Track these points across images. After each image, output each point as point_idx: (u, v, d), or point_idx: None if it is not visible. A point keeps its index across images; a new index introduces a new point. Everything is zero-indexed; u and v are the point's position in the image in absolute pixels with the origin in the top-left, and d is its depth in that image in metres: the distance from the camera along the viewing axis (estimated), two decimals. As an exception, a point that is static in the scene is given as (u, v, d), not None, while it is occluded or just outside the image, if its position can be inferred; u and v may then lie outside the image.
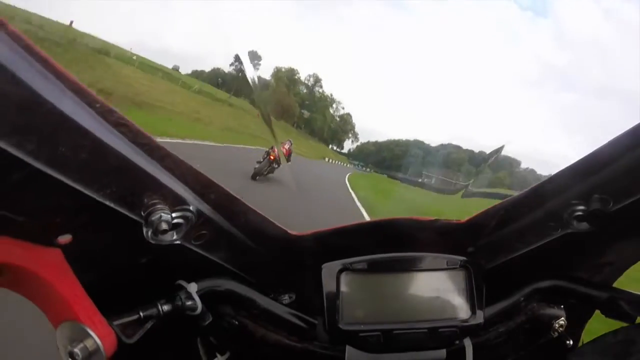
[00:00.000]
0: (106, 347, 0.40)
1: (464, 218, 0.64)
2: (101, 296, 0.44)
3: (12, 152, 0.29)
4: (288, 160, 11.08)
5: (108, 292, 0.46)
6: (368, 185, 19.18)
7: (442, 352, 0.63)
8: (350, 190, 14.60)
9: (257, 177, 8.95)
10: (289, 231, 0.62)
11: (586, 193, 0.54)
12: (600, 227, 0.55)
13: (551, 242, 0.60)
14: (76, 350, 0.39)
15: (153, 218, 0.42)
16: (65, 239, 0.42)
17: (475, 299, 0.63)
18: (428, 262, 0.63)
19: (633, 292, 0.61)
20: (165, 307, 0.50)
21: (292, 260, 0.66)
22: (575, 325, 0.71)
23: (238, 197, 0.52)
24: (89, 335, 0.40)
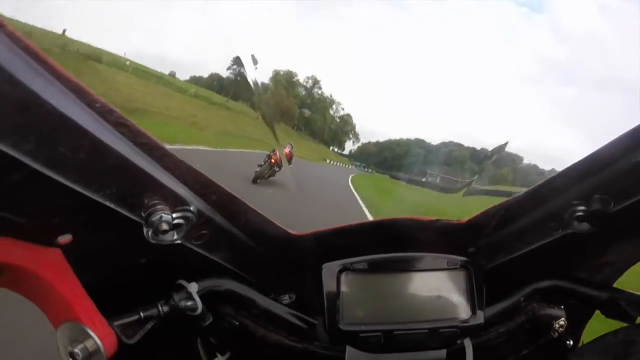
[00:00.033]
0: (106, 347, 0.41)
1: (464, 218, 0.64)
2: (101, 296, 0.44)
3: (11, 152, 0.29)
4: (289, 163, 10.97)
5: (108, 292, 0.46)
6: (372, 187, 18.87)
7: (443, 353, 0.63)
8: (354, 192, 14.31)
9: (259, 181, 8.89)
10: (289, 231, 0.62)
11: (587, 193, 0.53)
12: (600, 227, 0.55)
13: (551, 242, 0.59)
14: (76, 350, 0.39)
15: (153, 218, 0.42)
16: (65, 239, 0.42)
17: (475, 299, 0.63)
18: (428, 262, 0.63)
19: (633, 292, 0.61)
20: (166, 308, 0.50)
21: (293, 260, 0.65)
22: (576, 326, 0.71)
23: (238, 197, 0.51)
24: (89, 336, 0.40)
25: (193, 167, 0.45)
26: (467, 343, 0.65)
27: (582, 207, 0.55)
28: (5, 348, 1.76)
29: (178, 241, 0.47)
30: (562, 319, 0.68)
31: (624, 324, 0.61)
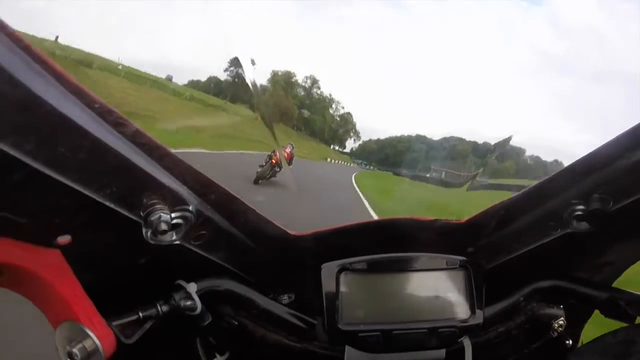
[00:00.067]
0: (105, 347, 0.41)
1: (464, 218, 0.64)
2: (101, 296, 0.44)
3: (11, 152, 0.29)
4: (290, 163, 10.90)
5: (107, 293, 0.46)
6: (376, 185, 18.45)
7: (442, 352, 0.63)
8: (359, 192, 13.95)
9: (260, 181, 8.90)
10: (288, 231, 0.62)
11: (586, 193, 0.53)
12: (600, 226, 0.55)
13: (551, 242, 0.59)
14: (75, 350, 0.39)
15: (152, 218, 0.42)
16: (64, 239, 0.42)
17: (474, 299, 0.63)
18: (428, 262, 0.63)
19: (633, 292, 0.61)
20: (165, 308, 0.50)
21: (292, 260, 0.65)
22: (575, 326, 0.71)
23: (237, 196, 0.51)
24: (88, 336, 0.40)
25: (192, 167, 0.44)
26: (467, 343, 0.64)
27: (581, 207, 0.54)
28: (5, 348, 1.76)
29: (177, 241, 0.47)
30: (562, 318, 0.67)
31: (624, 324, 0.61)
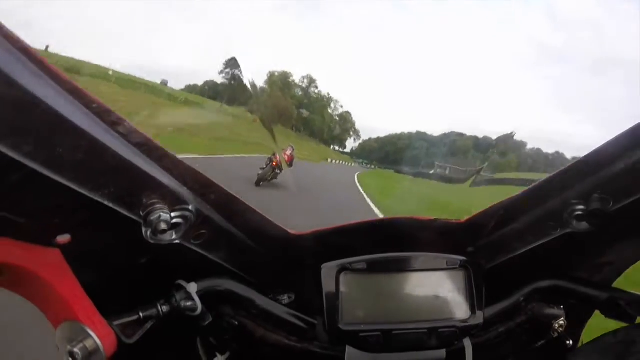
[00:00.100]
0: (106, 347, 0.41)
1: (464, 218, 0.64)
2: (101, 296, 0.44)
3: (10, 154, 0.29)
4: (290, 165, 10.89)
5: (108, 292, 0.46)
6: (380, 184, 17.94)
7: (442, 352, 0.63)
8: (362, 191, 13.46)
9: (261, 184, 8.94)
10: (288, 231, 0.62)
11: (586, 193, 0.53)
12: (600, 227, 0.55)
13: (551, 242, 0.59)
14: (76, 350, 0.39)
15: (152, 218, 0.42)
16: (64, 239, 0.42)
17: (475, 299, 0.63)
18: (428, 262, 0.63)
19: (633, 292, 0.61)
20: (165, 307, 0.50)
21: (292, 260, 0.65)
22: (575, 326, 0.71)
23: (237, 196, 0.51)
24: (89, 335, 0.40)
25: (192, 167, 0.44)
26: (467, 343, 0.64)
27: (581, 207, 0.54)
28: (5, 348, 1.75)
29: (177, 241, 0.46)
30: (562, 319, 0.67)
31: (624, 324, 0.61)
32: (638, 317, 0.60)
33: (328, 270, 0.61)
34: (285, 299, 0.65)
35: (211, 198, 0.48)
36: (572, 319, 0.68)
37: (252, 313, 0.61)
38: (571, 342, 0.68)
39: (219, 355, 0.63)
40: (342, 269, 0.61)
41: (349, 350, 0.61)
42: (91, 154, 0.34)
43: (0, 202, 0.35)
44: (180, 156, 0.43)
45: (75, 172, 0.34)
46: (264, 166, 9.12)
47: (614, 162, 0.49)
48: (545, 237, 0.59)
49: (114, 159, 0.36)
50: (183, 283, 0.53)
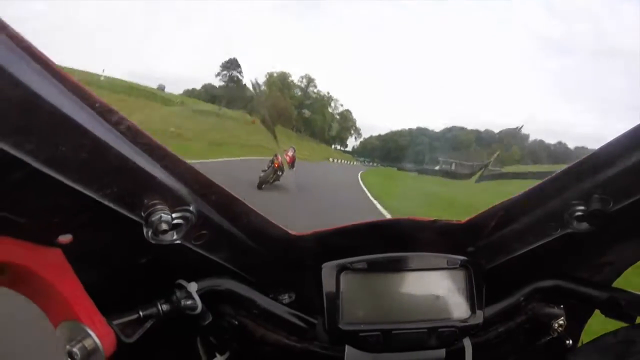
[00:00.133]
0: (105, 346, 0.41)
1: (464, 219, 0.64)
2: (101, 296, 0.44)
3: (12, 152, 0.30)
4: (292, 166, 10.89)
5: (108, 292, 0.46)
6: (385, 183, 17.54)
7: (442, 352, 0.63)
8: (366, 191, 13.11)
9: (263, 186, 8.86)
10: (289, 231, 0.62)
11: (586, 193, 0.53)
12: (600, 227, 0.55)
13: (551, 242, 0.59)
14: (75, 349, 0.39)
15: (153, 218, 0.42)
16: (65, 238, 0.42)
17: (475, 299, 0.63)
18: (428, 262, 0.63)
19: (633, 292, 0.60)
20: (165, 307, 0.50)
21: (292, 260, 0.65)
22: (575, 325, 0.71)
23: (238, 197, 0.51)
24: (88, 335, 0.40)
25: (193, 167, 0.44)
26: (467, 343, 0.64)
27: (581, 207, 0.54)
28: (5, 347, 1.76)
29: (178, 241, 0.46)
30: (562, 318, 0.67)
31: (624, 324, 0.61)
32: (638, 317, 0.59)
33: (328, 269, 0.61)
34: (285, 298, 0.65)
35: (212, 199, 0.48)
36: (572, 319, 0.68)
37: (252, 313, 0.61)
38: (571, 342, 0.68)
39: (218, 355, 0.63)
40: (343, 269, 0.61)
41: (349, 350, 0.61)
42: (94, 153, 0.34)
43: (1, 201, 0.35)
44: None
45: (78, 171, 0.34)
46: (266, 168, 9.05)
47: (614, 162, 0.49)
48: (545, 238, 0.59)
49: (117, 158, 0.36)
50: (183, 282, 0.53)
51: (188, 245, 0.48)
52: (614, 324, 0.61)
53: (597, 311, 0.65)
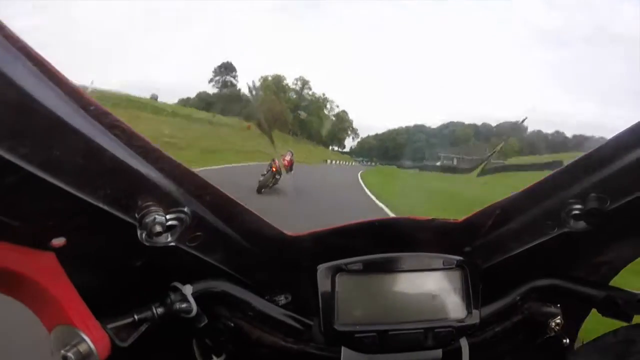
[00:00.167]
0: (99, 350, 0.40)
1: (461, 218, 0.64)
2: (96, 299, 0.44)
3: (6, 156, 0.29)
4: (291, 169, 10.82)
5: (102, 295, 0.46)
6: (385, 182, 17.21)
7: (439, 352, 0.63)
8: (369, 192, 12.79)
9: (263, 190, 8.90)
10: (285, 232, 0.61)
11: (583, 192, 0.53)
12: (597, 226, 0.55)
13: (548, 241, 0.59)
14: (69, 354, 0.39)
15: (147, 220, 0.41)
16: (59, 242, 0.42)
17: (471, 299, 0.63)
18: (424, 262, 0.63)
19: (630, 290, 0.60)
20: (160, 310, 0.50)
21: (288, 261, 0.65)
22: (572, 324, 0.71)
23: (233, 198, 0.51)
24: (82, 339, 0.40)
25: (187, 169, 0.44)
26: (464, 343, 0.64)
27: (578, 206, 0.54)
28: None
29: (172, 243, 0.46)
30: (559, 317, 0.67)
31: (624, 324, 0.61)
32: (636, 316, 0.60)
33: (324, 271, 0.61)
34: (281, 300, 0.65)
35: (206, 200, 0.48)
36: (569, 318, 0.68)
37: (248, 314, 0.61)
38: (568, 341, 0.68)
39: (215, 357, 0.62)
40: (338, 270, 0.60)
41: (345, 351, 0.61)
42: (88, 156, 0.34)
43: None
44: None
45: (71, 174, 0.34)
46: (265, 172, 9.12)
47: (611, 161, 0.49)
48: (542, 237, 0.59)
49: (111, 161, 0.36)
50: (178, 285, 0.52)
51: (183, 247, 0.48)
52: (610, 323, 0.61)
53: (593, 310, 0.65)
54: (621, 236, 0.62)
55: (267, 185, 9.08)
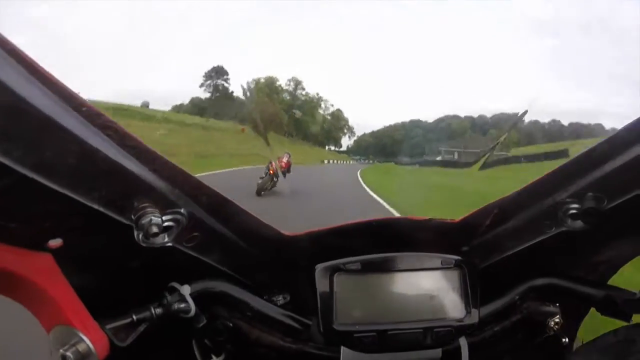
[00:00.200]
0: (98, 350, 0.41)
1: (458, 218, 0.64)
2: (94, 300, 0.44)
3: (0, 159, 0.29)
4: (288, 171, 10.61)
5: (101, 296, 0.46)
6: (386, 180, 16.65)
7: (438, 352, 0.63)
8: (368, 190, 12.29)
9: (262, 193, 8.92)
10: (282, 232, 0.62)
11: (580, 191, 0.53)
12: (594, 225, 0.55)
13: (546, 240, 0.59)
14: (68, 354, 0.39)
15: (143, 221, 0.41)
16: (56, 243, 0.42)
17: (470, 298, 0.63)
18: (422, 262, 0.63)
19: (628, 290, 0.60)
20: (159, 310, 0.50)
21: (287, 261, 0.65)
22: (571, 324, 0.71)
23: (229, 198, 0.51)
24: (81, 339, 0.40)
25: (183, 170, 0.44)
26: (463, 342, 0.64)
27: (575, 205, 0.54)
28: None
29: (169, 244, 0.46)
30: (557, 316, 0.67)
31: (623, 323, 0.61)
32: (635, 316, 0.60)
33: (322, 271, 0.61)
34: (280, 299, 0.64)
35: (203, 200, 0.48)
36: (568, 317, 0.68)
37: (246, 314, 0.61)
38: (567, 340, 0.68)
39: (214, 357, 0.62)
40: (336, 270, 0.61)
41: (344, 350, 0.61)
42: (81, 157, 0.34)
43: None
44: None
45: (66, 176, 0.34)
46: (263, 175, 9.17)
47: (608, 160, 0.49)
48: (540, 236, 0.59)
49: (105, 162, 0.36)
50: (176, 285, 0.53)
51: (180, 247, 0.48)
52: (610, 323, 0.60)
53: (592, 309, 0.65)
54: (619, 235, 0.62)
55: (266, 187, 9.11)
